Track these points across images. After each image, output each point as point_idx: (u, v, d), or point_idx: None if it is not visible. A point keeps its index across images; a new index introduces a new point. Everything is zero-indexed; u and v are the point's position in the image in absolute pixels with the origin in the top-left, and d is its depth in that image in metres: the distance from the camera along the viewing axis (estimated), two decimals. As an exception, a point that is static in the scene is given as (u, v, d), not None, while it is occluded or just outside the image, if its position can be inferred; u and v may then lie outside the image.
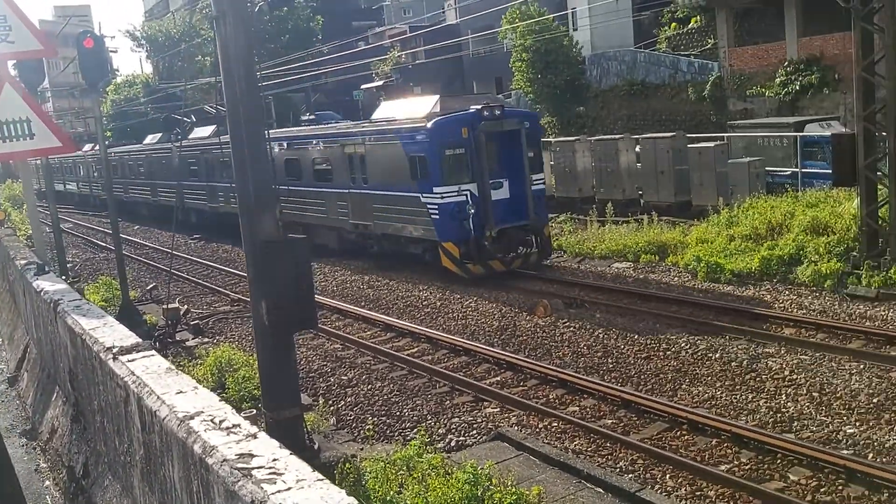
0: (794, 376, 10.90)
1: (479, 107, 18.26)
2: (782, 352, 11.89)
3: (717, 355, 11.99)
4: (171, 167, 32.59)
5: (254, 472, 2.70)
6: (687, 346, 12.52)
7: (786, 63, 28.64)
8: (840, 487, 8.05)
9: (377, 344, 14.49)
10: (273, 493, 2.51)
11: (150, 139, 38.93)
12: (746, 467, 8.67)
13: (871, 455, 8.63)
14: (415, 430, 10.25)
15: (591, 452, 9.41)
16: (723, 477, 8.42)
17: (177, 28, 54.44)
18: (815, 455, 8.54)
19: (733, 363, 11.64)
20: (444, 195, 17.92)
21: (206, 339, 15.78)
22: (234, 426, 3.18)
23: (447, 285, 18.21)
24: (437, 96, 20.12)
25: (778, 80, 28.59)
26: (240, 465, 2.78)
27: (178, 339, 15.69)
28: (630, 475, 8.73)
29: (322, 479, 2.65)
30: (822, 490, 8.06)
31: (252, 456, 2.84)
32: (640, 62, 36.45)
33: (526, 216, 18.46)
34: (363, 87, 50.38)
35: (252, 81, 9.32)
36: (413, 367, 12.99)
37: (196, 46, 48.32)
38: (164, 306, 16.22)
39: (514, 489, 7.79)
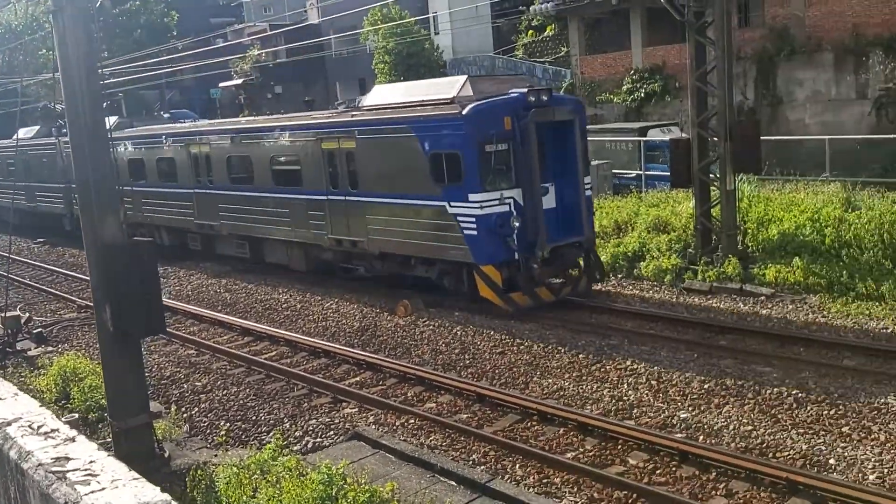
0: (635, 366, 11.57)
1: (524, 90, 14.28)
2: (625, 343, 12.59)
3: (566, 348, 12.55)
4: (56, 167, 27.73)
5: (69, 475, 2.67)
6: (539, 341, 13.02)
7: (632, 71, 30.14)
8: (674, 469, 8.60)
9: (234, 348, 14.21)
10: (86, 494, 2.50)
11: (23, 133, 32.84)
12: (591, 454, 9.14)
13: (701, 437, 9.28)
14: (271, 433, 10.16)
15: (447, 447, 9.64)
16: (568, 464, 8.84)
17: (18, 19, 51.05)
18: (652, 440, 9.10)
19: (581, 355, 12.21)
20: (484, 204, 13.99)
21: (50, 348, 15.01)
22: (53, 431, 3.12)
23: (308, 287, 18.05)
24: (465, 76, 15.77)
25: (625, 88, 30.06)
26: (55, 469, 2.75)
27: (18, 348, 14.86)
28: (482, 467, 9.01)
29: (138, 479, 2.66)
30: (657, 472, 8.60)
31: (68, 459, 2.81)
32: (498, 67, 37.42)
33: (580, 231, 14.77)
34: (221, 85, 49.13)
35: (93, 77, 8.97)
36: (270, 371, 12.84)
37: (40, 39, 45.52)
38: (3, 314, 15.27)
39: (367, 487, 7.87)
